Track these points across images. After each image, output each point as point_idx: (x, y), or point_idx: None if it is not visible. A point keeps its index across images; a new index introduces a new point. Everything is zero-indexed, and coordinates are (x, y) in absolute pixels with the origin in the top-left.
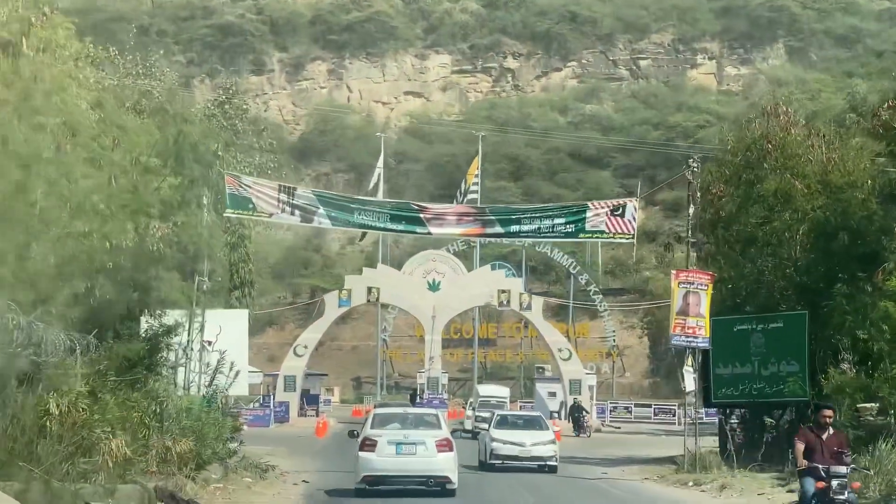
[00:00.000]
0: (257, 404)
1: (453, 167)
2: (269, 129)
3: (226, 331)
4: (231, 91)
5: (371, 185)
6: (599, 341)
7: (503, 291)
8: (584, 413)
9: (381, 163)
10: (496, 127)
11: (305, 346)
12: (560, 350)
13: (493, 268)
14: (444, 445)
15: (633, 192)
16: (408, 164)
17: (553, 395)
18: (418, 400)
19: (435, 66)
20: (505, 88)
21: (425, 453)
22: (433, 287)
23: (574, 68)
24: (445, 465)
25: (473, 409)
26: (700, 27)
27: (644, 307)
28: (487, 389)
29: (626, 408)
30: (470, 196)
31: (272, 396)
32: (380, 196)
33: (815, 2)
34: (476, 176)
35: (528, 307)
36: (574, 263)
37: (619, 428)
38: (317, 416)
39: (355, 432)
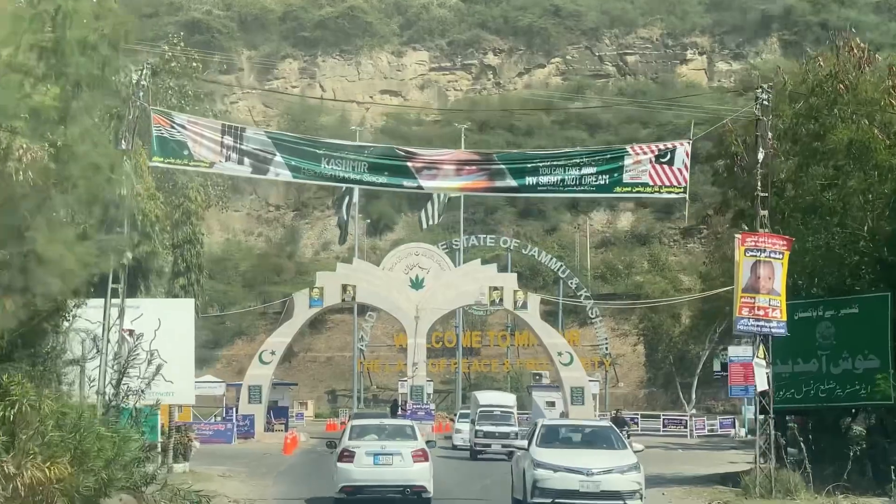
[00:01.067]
0: (218, 418)
1: None
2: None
3: (165, 324)
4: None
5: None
6: (591, 349)
7: (495, 289)
8: (626, 427)
9: None
10: (476, 126)
11: (272, 353)
12: (560, 354)
13: (482, 262)
14: (419, 456)
15: None
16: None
17: (552, 404)
18: (400, 412)
19: (412, 64)
20: (486, 86)
21: (402, 464)
22: (416, 284)
23: (558, 65)
24: (421, 475)
25: (472, 421)
26: (690, 21)
27: (639, 311)
28: (489, 397)
29: (633, 419)
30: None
31: (234, 409)
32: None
33: None
34: None
35: (524, 306)
36: (563, 267)
37: (642, 449)
38: (286, 430)
39: (334, 443)
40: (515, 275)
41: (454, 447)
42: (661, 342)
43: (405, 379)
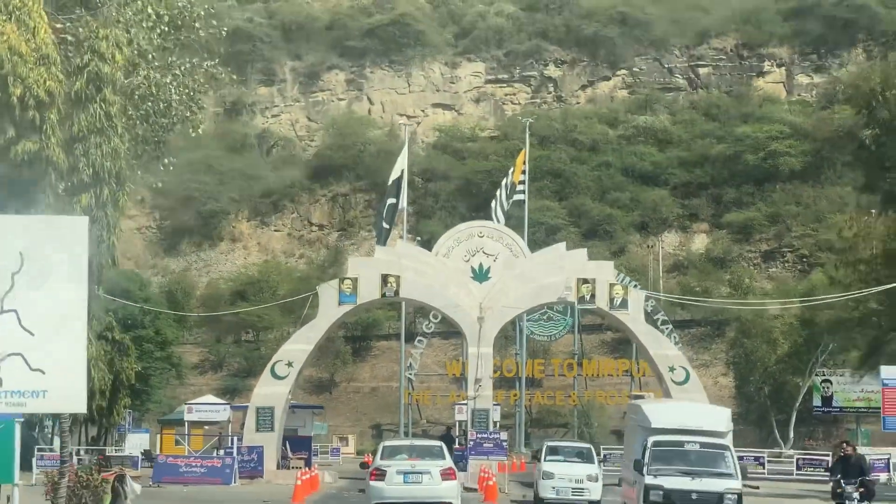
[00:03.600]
0: (217, 451)
1: (489, 186)
2: (281, 146)
3: (32, 263)
4: None
5: (386, 206)
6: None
7: (585, 282)
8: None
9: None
10: (537, 140)
11: (289, 364)
12: (672, 369)
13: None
14: (448, 474)
15: (696, 213)
16: (436, 183)
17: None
18: (456, 446)
19: (467, 76)
20: (546, 99)
21: (430, 482)
22: (480, 275)
23: (624, 77)
24: (449, 492)
25: (638, 463)
26: (767, 31)
27: (728, 338)
28: (670, 412)
29: (757, 459)
30: (516, 198)
31: (234, 439)
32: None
33: None
34: (523, 173)
35: (623, 304)
36: (636, 285)
37: (757, 488)
38: (307, 467)
39: (366, 464)
40: (612, 262)
41: (540, 501)
42: (755, 372)
43: (463, 403)
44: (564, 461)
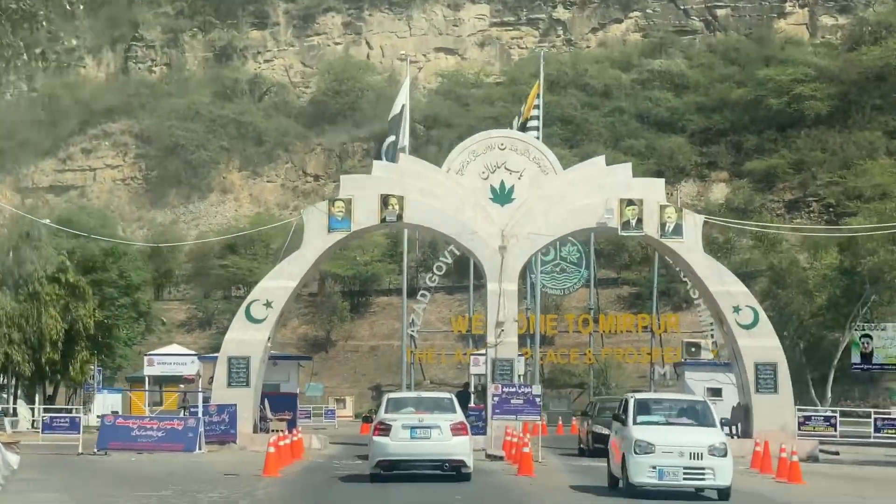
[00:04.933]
0: (183, 411)
1: None
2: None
3: None
4: None
5: (385, 144)
6: (688, 337)
7: (630, 203)
8: None
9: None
10: (546, 85)
11: (268, 304)
12: (738, 310)
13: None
14: (459, 429)
15: (716, 161)
16: (439, 131)
17: (716, 392)
18: (472, 403)
19: (471, 18)
20: (555, 43)
21: (440, 437)
22: (502, 195)
23: (637, 20)
24: (461, 448)
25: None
26: None
27: (761, 289)
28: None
29: (828, 419)
30: (530, 126)
31: (201, 396)
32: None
33: None
34: (538, 98)
35: (676, 231)
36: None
37: (836, 453)
38: (290, 430)
39: (371, 416)
40: (662, 180)
41: (629, 488)
42: (789, 327)
43: (481, 353)
44: (667, 424)
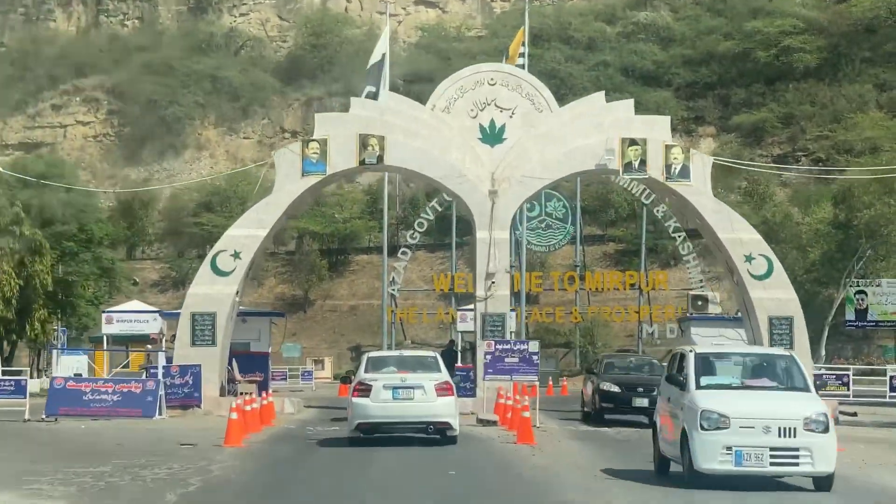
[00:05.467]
0: (145, 373)
1: None
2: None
3: None
4: None
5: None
6: (677, 295)
7: (633, 143)
8: None
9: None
10: (529, 39)
11: (236, 255)
12: (751, 259)
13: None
14: (444, 389)
15: (702, 116)
16: (420, 86)
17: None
18: (458, 362)
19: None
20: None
21: (424, 398)
22: (492, 135)
23: None
24: (446, 410)
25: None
26: None
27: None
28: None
29: (840, 378)
30: None
31: (162, 355)
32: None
33: None
34: (523, 46)
35: (683, 173)
36: (648, 193)
37: (854, 414)
38: (261, 392)
39: (350, 376)
40: (668, 118)
41: (692, 474)
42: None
43: (468, 308)
44: (743, 388)
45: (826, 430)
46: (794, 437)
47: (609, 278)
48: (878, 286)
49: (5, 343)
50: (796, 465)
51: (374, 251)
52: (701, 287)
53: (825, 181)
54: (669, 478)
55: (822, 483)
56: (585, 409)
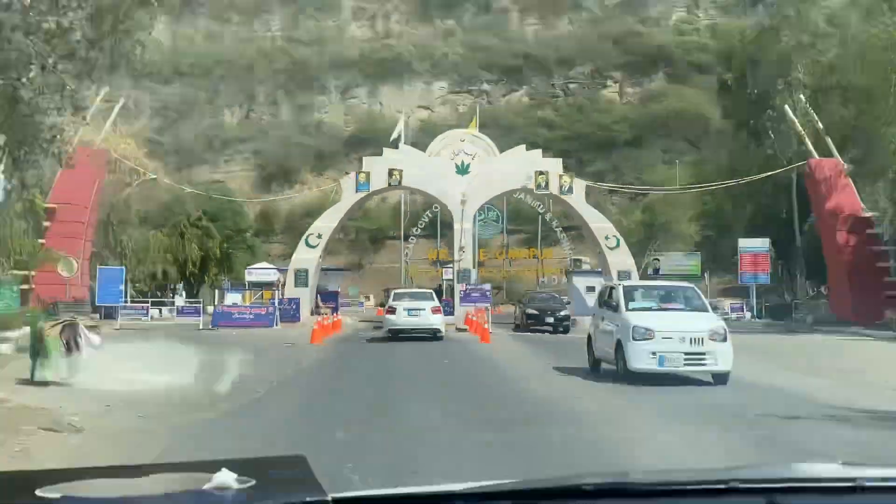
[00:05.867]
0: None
1: None
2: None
3: None
4: None
5: (396, 133)
6: (557, 263)
7: (541, 173)
8: None
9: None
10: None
11: (319, 236)
12: (607, 238)
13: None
14: (436, 311)
15: (568, 166)
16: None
17: (592, 289)
18: (444, 298)
19: (437, 89)
20: (481, 103)
21: (425, 315)
22: (462, 170)
23: (527, 90)
24: (437, 321)
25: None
26: (606, 60)
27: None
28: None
29: None
30: None
31: (277, 293)
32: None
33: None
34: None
35: (570, 190)
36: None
37: None
38: (333, 314)
39: (384, 304)
40: (561, 160)
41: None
42: None
43: (449, 265)
44: (660, 310)
45: (724, 339)
46: (702, 344)
47: (521, 253)
48: (664, 256)
49: (194, 287)
50: (703, 365)
51: (396, 238)
52: (571, 254)
53: (637, 200)
54: (602, 374)
55: (721, 379)
56: (516, 323)
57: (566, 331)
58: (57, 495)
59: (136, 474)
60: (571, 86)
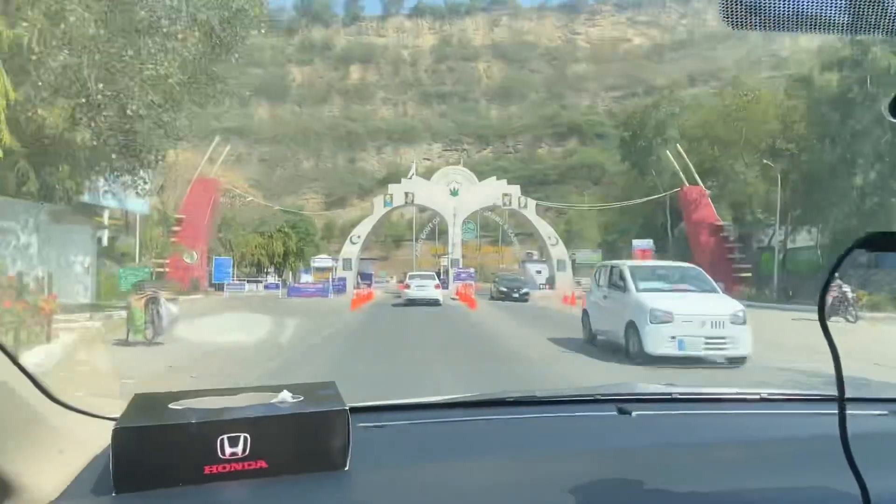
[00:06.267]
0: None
1: None
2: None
3: None
4: None
5: (410, 174)
6: (511, 255)
7: (506, 195)
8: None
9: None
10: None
11: (359, 236)
12: (549, 238)
13: (497, 178)
14: (437, 286)
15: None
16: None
17: (539, 272)
18: (443, 276)
19: (435, 148)
20: (463, 157)
21: (430, 289)
22: (454, 193)
23: (491, 149)
24: (438, 294)
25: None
26: (540, 130)
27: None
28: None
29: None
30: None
31: (332, 274)
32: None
33: None
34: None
35: (525, 206)
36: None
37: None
38: (369, 288)
39: (403, 281)
40: (519, 186)
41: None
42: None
43: (444, 256)
44: (672, 291)
45: (744, 322)
46: (723, 328)
47: (487, 249)
48: (579, 251)
49: (282, 271)
50: (724, 349)
51: (409, 240)
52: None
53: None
54: (598, 345)
55: (737, 362)
56: (492, 296)
57: (525, 301)
58: (181, 407)
59: (230, 393)
60: (518, 146)
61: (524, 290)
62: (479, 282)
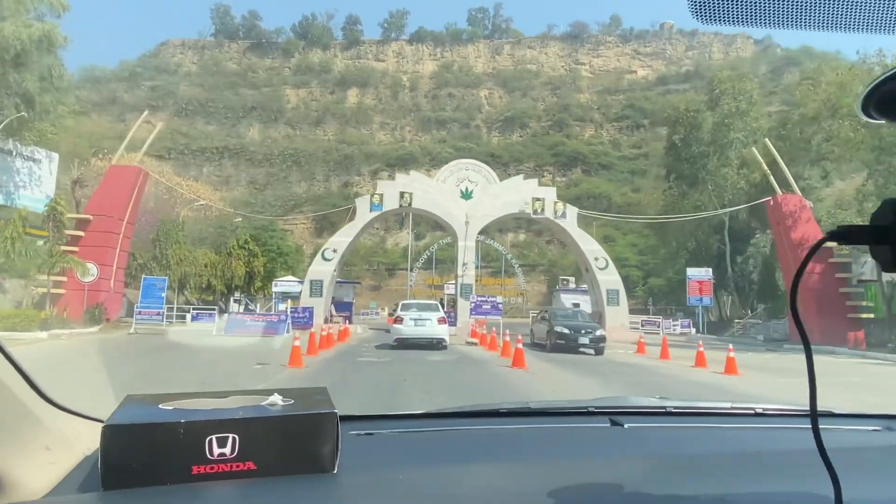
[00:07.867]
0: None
1: None
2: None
3: None
4: None
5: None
6: (514, 287)
7: (538, 199)
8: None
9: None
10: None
11: (335, 251)
12: (596, 259)
13: (524, 177)
14: (441, 321)
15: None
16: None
17: (577, 305)
18: (447, 310)
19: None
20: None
21: (431, 325)
22: (466, 195)
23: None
24: (442, 331)
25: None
26: (543, 160)
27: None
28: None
29: (651, 322)
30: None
31: (289, 301)
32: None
33: None
34: None
35: (563, 215)
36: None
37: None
38: (345, 322)
39: (393, 314)
40: (555, 189)
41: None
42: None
43: (452, 283)
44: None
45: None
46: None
47: (488, 282)
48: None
49: (255, 297)
50: None
51: (404, 269)
52: (524, 284)
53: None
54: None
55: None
56: (538, 342)
57: (601, 353)
58: (171, 407)
59: (221, 396)
60: (521, 175)
61: (599, 334)
62: (507, 315)
